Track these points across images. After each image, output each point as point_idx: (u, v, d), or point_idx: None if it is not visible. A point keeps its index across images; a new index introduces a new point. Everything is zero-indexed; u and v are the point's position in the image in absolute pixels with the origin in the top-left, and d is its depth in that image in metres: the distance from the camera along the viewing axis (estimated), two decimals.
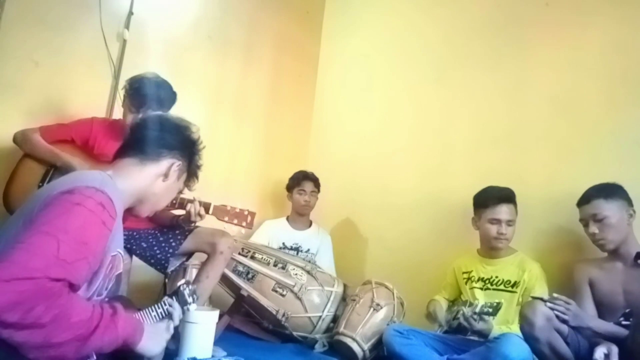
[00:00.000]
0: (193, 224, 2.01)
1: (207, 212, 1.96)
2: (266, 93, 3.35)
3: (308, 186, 3.00)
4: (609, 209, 1.89)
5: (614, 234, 1.88)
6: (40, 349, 0.92)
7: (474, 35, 2.81)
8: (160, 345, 1.20)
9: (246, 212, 2.00)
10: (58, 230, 0.98)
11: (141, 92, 2.00)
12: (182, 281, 1.39)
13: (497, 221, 2.16)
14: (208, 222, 2.04)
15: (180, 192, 1.53)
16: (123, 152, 1.33)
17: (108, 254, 1.16)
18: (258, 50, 3.29)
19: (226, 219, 1.99)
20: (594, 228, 1.90)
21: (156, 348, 1.18)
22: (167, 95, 2.06)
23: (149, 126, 1.38)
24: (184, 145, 1.39)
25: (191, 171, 1.44)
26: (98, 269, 1.13)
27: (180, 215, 2.01)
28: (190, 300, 1.34)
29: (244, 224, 2.00)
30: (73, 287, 0.99)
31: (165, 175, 1.33)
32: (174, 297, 1.33)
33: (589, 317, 1.77)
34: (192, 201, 1.92)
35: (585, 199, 1.96)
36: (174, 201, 1.92)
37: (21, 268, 0.90)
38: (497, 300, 1.87)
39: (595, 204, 1.92)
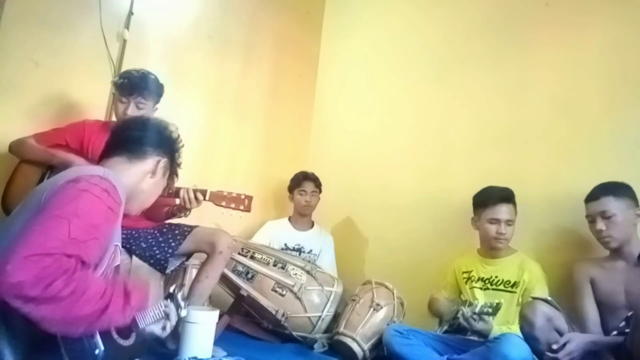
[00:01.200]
0: (188, 212, 2.02)
1: (203, 198, 1.97)
2: (266, 93, 3.35)
3: (309, 186, 3.01)
4: (618, 207, 1.89)
5: (620, 232, 1.88)
6: (60, 323, 0.96)
7: (474, 35, 2.81)
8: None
9: (243, 196, 2.00)
10: (69, 214, 1.03)
11: (128, 80, 2.03)
12: (174, 285, 1.44)
13: (497, 221, 2.16)
14: (205, 211, 2.05)
15: (178, 192, 1.55)
16: (110, 151, 1.38)
17: (112, 242, 1.20)
18: (258, 50, 3.29)
19: (223, 203, 1.99)
20: (601, 225, 1.89)
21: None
22: (154, 84, 2.08)
23: (132, 126, 1.45)
24: (166, 143, 1.46)
25: (172, 169, 1.50)
26: (103, 255, 1.17)
27: (175, 206, 2.02)
28: (182, 304, 1.38)
29: (241, 207, 2.00)
30: (85, 265, 1.04)
31: (153, 172, 1.39)
32: (168, 300, 1.38)
33: (587, 340, 1.72)
34: (185, 188, 1.93)
35: (594, 196, 1.95)
36: (170, 190, 1.93)
37: (39, 246, 0.95)
38: (496, 301, 1.87)
39: (604, 201, 1.91)
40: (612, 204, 1.89)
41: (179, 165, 1.52)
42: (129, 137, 1.40)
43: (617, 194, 1.90)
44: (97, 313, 1.01)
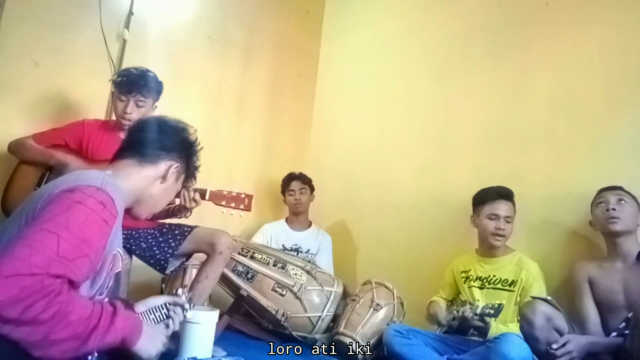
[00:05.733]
0: (189, 213, 2.02)
1: (203, 198, 1.98)
2: (266, 93, 3.35)
3: (296, 185, 3.06)
4: (631, 200, 1.95)
5: (628, 218, 1.91)
6: (40, 346, 0.92)
7: (474, 35, 2.81)
8: (157, 347, 1.18)
9: (243, 195, 2.02)
10: (59, 228, 0.98)
11: (127, 78, 2.03)
12: (180, 288, 1.41)
13: (496, 217, 2.18)
14: (206, 211, 2.04)
15: (178, 192, 1.51)
16: (122, 153, 1.34)
17: (110, 252, 1.16)
18: (258, 50, 3.29)
19: (223, 203, 2.01)
20: (614, 203, 1.93)
21: (152, 350, 1.16)
22: (154, 81, 2.08)
23: (147, 128, 1.39)
24: (181, 147, 1.41)
25: (189, 172, 1.47)
26: (101, 267, 1.13)
27: (175, 205, 2.02)
28: (187, 307, 1.35)
29: (241, 206, 2.01)
30: (73, 284, 1.00)
31: (164, 178, 1.35)
32: (171, 305, 1.34)
33: (586, 341, 1.73)
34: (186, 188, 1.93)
35: (612, 187, 1.99)
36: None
37: (22, 264, 0.91)
38: (498, 302, 1.87)
39: (620, 191, 1.97)
40: (627, 196, 1.96)
41: (196, 168, 1.49)
42: (142, 140, 1.35)
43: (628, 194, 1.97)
44: (81, 336, 0.97)
